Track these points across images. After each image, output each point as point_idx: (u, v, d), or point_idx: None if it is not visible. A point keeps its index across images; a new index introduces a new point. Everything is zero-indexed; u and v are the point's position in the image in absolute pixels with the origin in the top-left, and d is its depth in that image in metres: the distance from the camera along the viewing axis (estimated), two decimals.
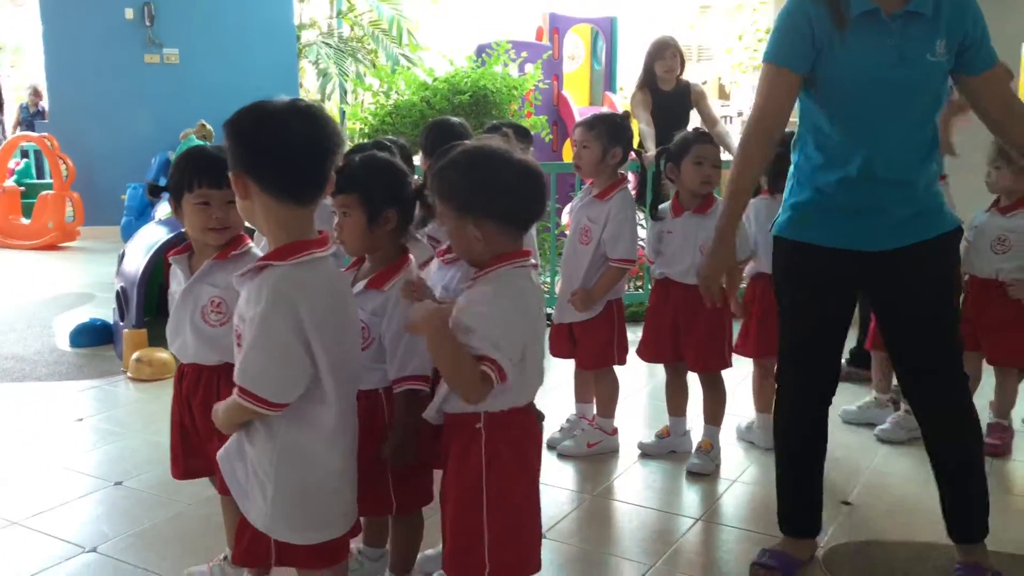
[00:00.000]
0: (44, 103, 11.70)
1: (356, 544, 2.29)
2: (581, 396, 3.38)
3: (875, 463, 3.18)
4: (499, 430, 1.75)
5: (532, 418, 1.86)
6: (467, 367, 1.67)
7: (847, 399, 3.69)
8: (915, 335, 2.22)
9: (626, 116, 3.27)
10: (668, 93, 4.87)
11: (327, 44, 13.25)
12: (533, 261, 1.83)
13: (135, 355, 4.23)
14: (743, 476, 3.08)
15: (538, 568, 1.84)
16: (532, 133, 5.57)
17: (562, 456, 3.21)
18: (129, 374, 4.24)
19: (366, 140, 6.00)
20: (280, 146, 1.63)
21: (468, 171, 1.75)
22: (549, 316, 2.96)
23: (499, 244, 1.75)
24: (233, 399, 1.67)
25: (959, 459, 2.31)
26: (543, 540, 1.96)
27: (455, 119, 3.54)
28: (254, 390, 1.63)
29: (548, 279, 5.38)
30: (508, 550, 1.76)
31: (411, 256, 2.10)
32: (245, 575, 2.13)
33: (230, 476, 1.76)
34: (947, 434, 2.30)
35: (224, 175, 1.70)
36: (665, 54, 4.81)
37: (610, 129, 3.07)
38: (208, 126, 8.54)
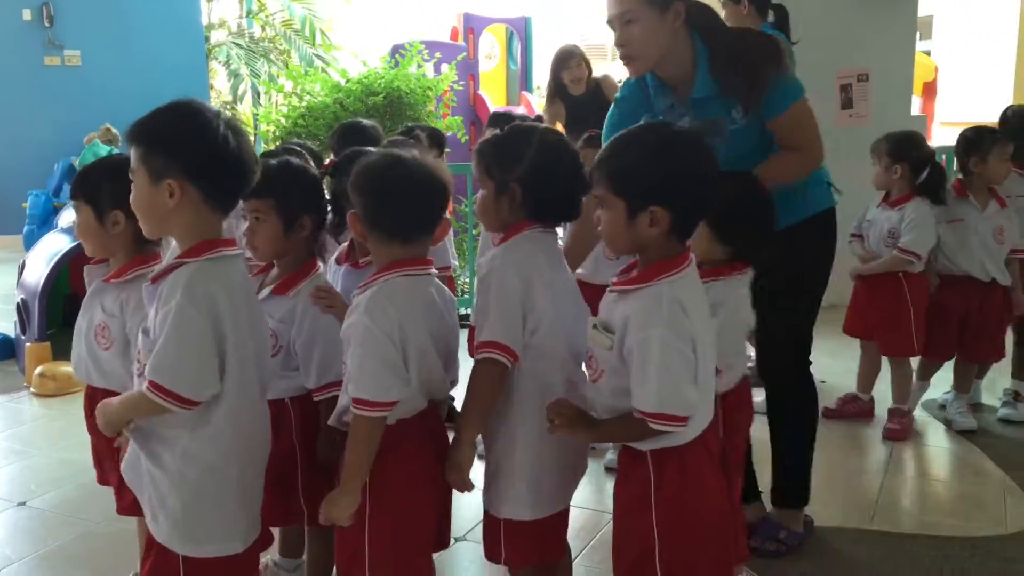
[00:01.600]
0: None
1: (272, 556, 2.27)
2: None
3: None
4: (386, 443, 1.72)
5: (430, 426, 1.82)
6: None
7: None
8: (765, 310, 2.26)
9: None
10: (580, 97, 4.92)
11: (237, 45, 12.96)
12: (432, 270, 1.81)
13: (38, 370, 4.08)
14: None
15: None
16: (448, 134, 5.58)
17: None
18: (33, 389, 4.09)
19: (279, 143, 5.92)
20: (222, 152, 1.61)
21: (358, 182, 1.77)
22: (466, 317, 2.97)
23: (390, 252, 1.75)
24: (138, 394, 1.62)
25: (786, 432, 2.58)
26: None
27: (367, 122, 3.52)
28: (168, 385, 1.56)
29: (468, 280, 5.39)
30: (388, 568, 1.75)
31: (319, 262, 2.08)
32: None
33: (136, 488, 1.72)
34: (780, 406, 2.57)
35: None
36: (570, 63, 4.86)
37: None
38: (114, 130, 8.27)
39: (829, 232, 2.52)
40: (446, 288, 1.89)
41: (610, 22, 2.26)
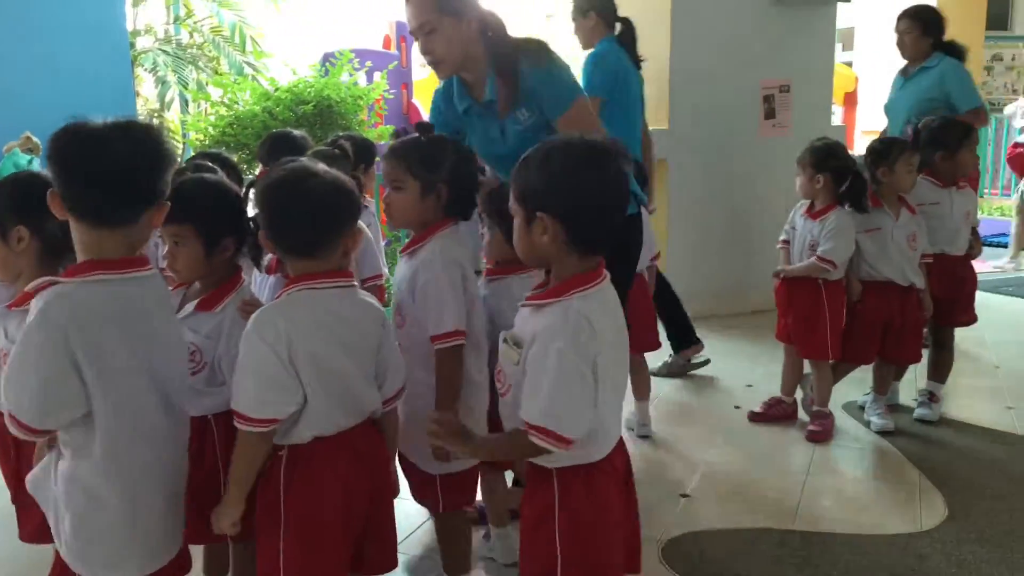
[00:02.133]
0: None
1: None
2: None
3: (709, 456, 3.36)
4: (300, 461, 1.74)
5: (353, 446, 1.79)
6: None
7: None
8: None
9: None
10: None
11: (164, 51, 12.72)
12: (350, 282, 1.80)
13: None
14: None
15: None
16: (380, 143, 5.56)
17: None
18: None
19: (204, 151, 5.81)
20: (84, 168, 1.56)
21: (259, 198, 1.80)
22: None
23: (295, 266, 1.77)
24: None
25: None
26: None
27: (296, 132, 3.49)
28: (14, 412, 1.53)
29: None
30: None
31: (243, 276, 2.06)
32: None
33: (41, 502, 1.68)
34: None
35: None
36: None
37: None
38: (34, 139, 8.02)
39: (631, 240, 2.65)
40: (372, 300, 1.88)
41: (413, 33, 2.48)
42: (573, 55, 4.33)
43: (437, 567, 2.39)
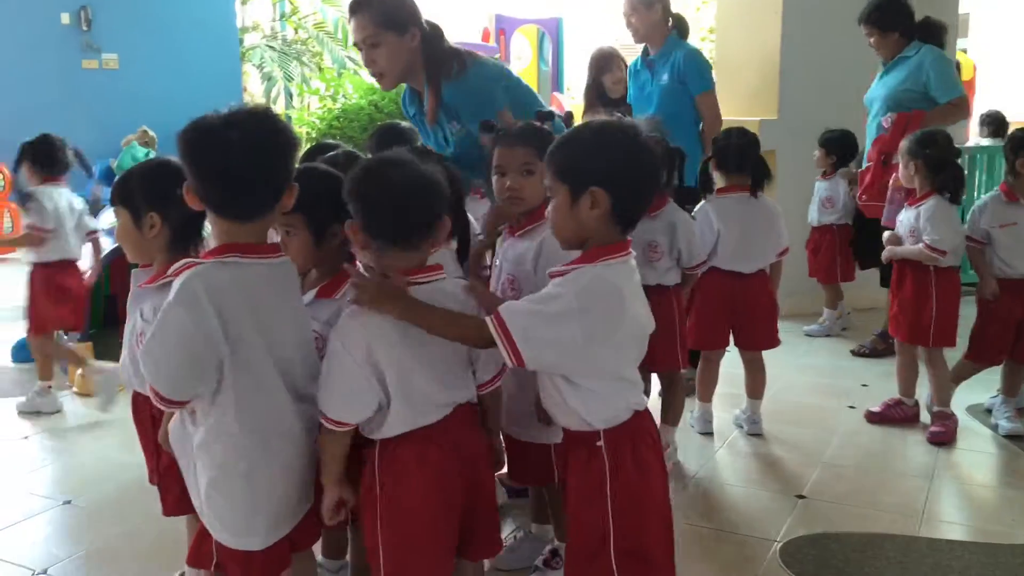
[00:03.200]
0: None
1: (316, 556, 2.27)
2: None
3: (827, 456, 3.25)
4: (389, 454, 1.75)
5: (434, 437, 1.78)
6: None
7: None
8: None
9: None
10: (618, 100, 4.88)
11: (271, 47, 13.06)
12: (440, 276, 1.79)
13: (81, 369, 4.13)
14: (700, 473, 3.12)
15: None
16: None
17: None
18: (75, 389, 4.14)
19: (314, 144, 5.94)
20: (213, 166, 1.62)
21: (350, 189, 1.76)
22: None
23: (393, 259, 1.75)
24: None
25: None
26: None
27: (404, 124, 3.52)
28: (152, 382, 1.61)
29: None
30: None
31: (358, 262, 2.07)
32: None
33: (182, 463, 1.77)
34: None
35: None
36: (612, 66, 4.80)
37: None
38: (151, 132, 8.38)
39: None
40: (458, 291, 1.84)
41: (356, 45, 2.61)
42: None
43: (533, 545, 2.43)
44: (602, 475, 1.70)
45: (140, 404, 2.12)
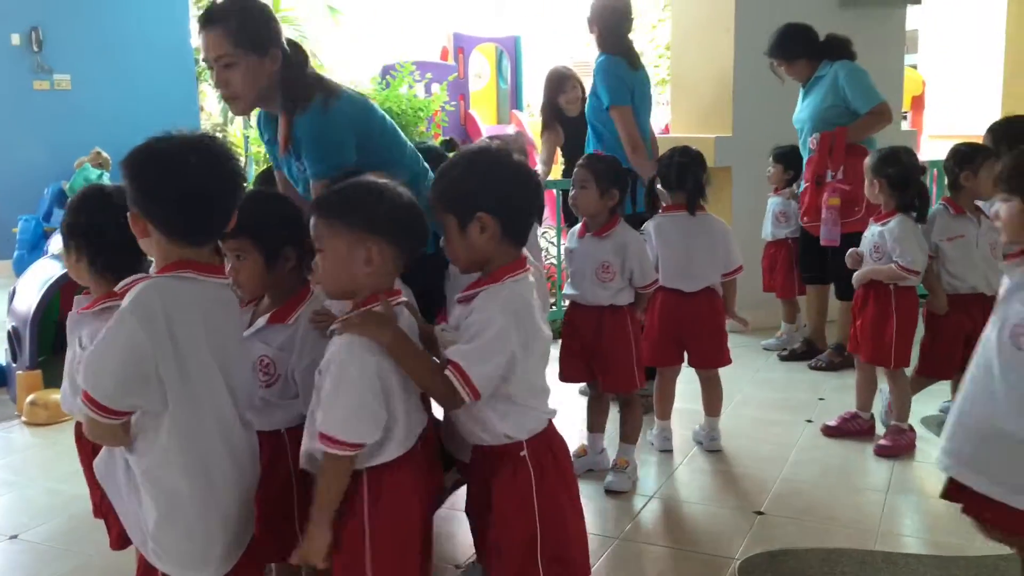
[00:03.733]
0: None
1: None
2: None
3: (784, 472, 3.26)
4: (382, 480, 1.72)
5: (414, 456, 1.78)
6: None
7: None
8: None
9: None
10: (576, 118, 4.91)
11: None
12: (404, 298, 1.81)
13: (29, 398, 4.02)
14: (660, 492, 3.12)
15: None
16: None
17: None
18: (23, 418, 4.03)
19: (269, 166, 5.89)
20: (173, 189, 1.60)
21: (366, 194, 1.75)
22: None
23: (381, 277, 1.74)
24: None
25: None
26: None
27: None
28: (91, 391, 1.55)
29: None
30: None
31: (312, 286, 2.06)
32: None
33: (110, 492, 1.72)
34: None
35: None
36: (566, 86, 4.82)
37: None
38: (104, 154, 8.25)
39: None
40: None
41: (207, 61, 2.37)
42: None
43: None
44: (528, 484, 1.78)
45: (84, 435, 2.07)
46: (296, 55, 2.41)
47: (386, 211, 1.71)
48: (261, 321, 1.98)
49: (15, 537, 2.86)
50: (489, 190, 1.76)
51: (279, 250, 1.96)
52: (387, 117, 2.60)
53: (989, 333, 2.00)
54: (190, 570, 1.66)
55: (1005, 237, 2.03)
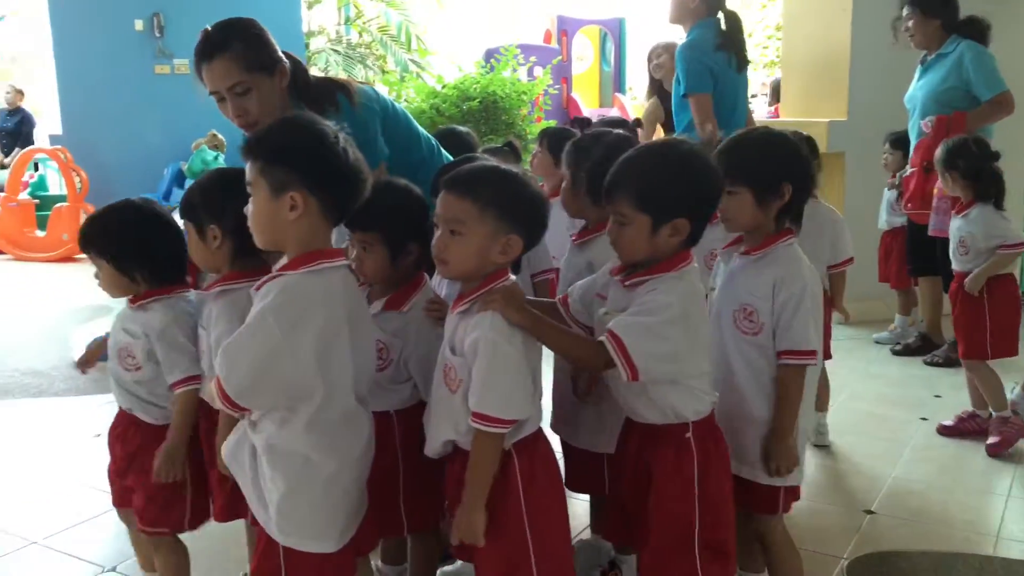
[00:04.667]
0: (25, 103, 11.58)
1: (375, 561, 2.28)
2: None
3: (897, 471, 3.15)
4: (529, 453, 1.73)
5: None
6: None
7: None
8: None
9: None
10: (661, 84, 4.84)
11: (335, 51, 13.28)
12: (512, 277, 1.78)
13: None
14: None
15: None
16: None
17: None
18: None
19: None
20: (341, 165, 1.65)
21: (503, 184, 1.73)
22: None
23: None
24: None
25: None
26: None
27: (462, 128, 3.52)
28: (224, 383, 1.59)
29: None
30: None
31: (426, 275, 2.08)
32: None
33: (237, 475, 1.76)
34: None
35: None
36: (651, 54, 4.77)
37: None
38: (219, 136, 8.57)
39: None
40: None
41: (216, 93, 2.25)
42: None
43: (588, 554, 2.42)
44: (692, 468, 1.76)
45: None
46: (294, 62, 2.37)
47: (524, 202, 1.72)
48: (376, 306, 2.01)
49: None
50: (693, 196, 1.75)
51: (403, 245, 1.99)
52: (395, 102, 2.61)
53: None
54: (313, 540, 1.70)
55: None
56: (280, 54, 2.32)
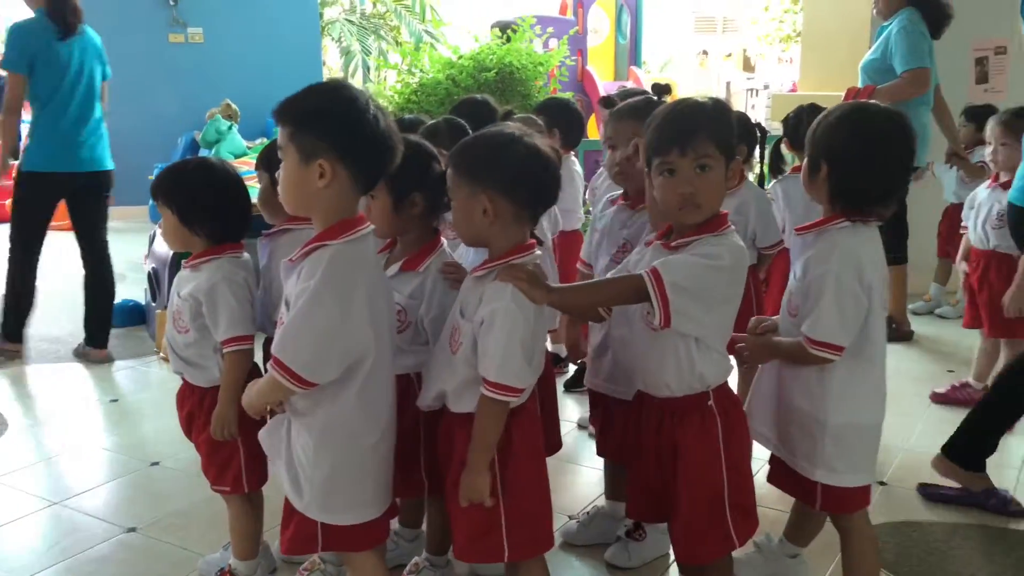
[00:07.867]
0: None
1: (392, 525, 2.31)
2: None
3: (910, 443, 3.16)
4: (520, 417, 1.77)
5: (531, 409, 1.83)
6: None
7: None
8: None
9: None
10: None
11: (350, 21, 13.20)
12: (538, 252, 1.79)
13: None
14: None
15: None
16: None
17: None
18: (162, 355, 4.28)
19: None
20: (372, 132, 1.64)
21: (487, 146, 1.76)
22: None
23: (507, 228, 1.73)
24: (269, 375, 1.65)
25: None
26: None
27: (480, 96, 3.50)
28: (288, 363, 1.60)
29: None
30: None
31: (443, 238, 2.09)
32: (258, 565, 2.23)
33: (273, 455, 1.77)
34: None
35: None
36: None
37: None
38: (233, 105, 8.55)
39: None
40: None
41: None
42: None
43: (606, 521, 2.43)
44: (716, 434, 1.79)
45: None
46: None
47: (509, 166, 1.72)
48: (394, 268, 2.02)
49: (156, 464, 3.05)
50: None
51: (407, 193, 1.99)
52: None
53: None
54: (355, 512, 1.73)
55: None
56: None
